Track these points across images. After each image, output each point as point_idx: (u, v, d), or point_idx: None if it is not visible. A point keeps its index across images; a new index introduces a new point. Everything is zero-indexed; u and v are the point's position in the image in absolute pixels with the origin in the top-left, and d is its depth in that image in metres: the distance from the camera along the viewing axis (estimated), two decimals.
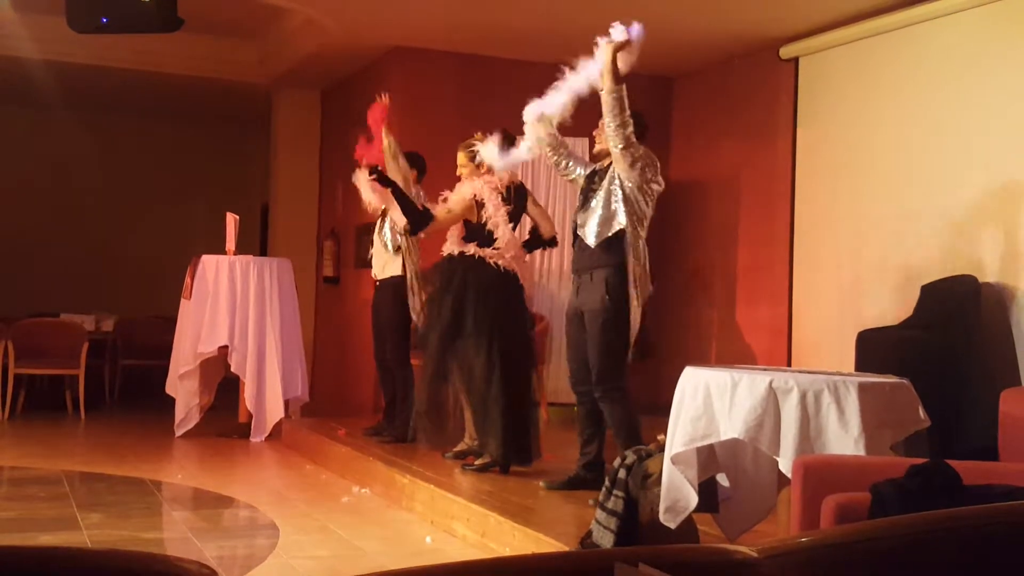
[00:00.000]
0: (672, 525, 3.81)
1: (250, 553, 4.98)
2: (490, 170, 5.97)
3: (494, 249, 5.91)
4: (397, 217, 6.33)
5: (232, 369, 8.25)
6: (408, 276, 6.90)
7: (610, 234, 5.11)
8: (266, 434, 8.20)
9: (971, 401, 5.96)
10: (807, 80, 8.28)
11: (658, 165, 5.24)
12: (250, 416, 8.25)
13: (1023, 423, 3.73)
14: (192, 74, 10.46)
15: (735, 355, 8.70)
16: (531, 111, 5.44)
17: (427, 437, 6.38)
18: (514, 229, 6.04)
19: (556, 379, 8.55)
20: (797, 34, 8.17)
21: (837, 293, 7.80)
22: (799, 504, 3.26)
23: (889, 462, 3.35)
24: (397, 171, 6.76)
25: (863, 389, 3.60)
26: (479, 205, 5.92)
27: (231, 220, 8.55)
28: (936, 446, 5.12)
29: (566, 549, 4.21)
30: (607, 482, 4.16)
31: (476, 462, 5.99)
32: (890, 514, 2.69)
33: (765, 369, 4.03)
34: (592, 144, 5.49)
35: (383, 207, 7.06)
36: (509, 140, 6.29)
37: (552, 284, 9.09)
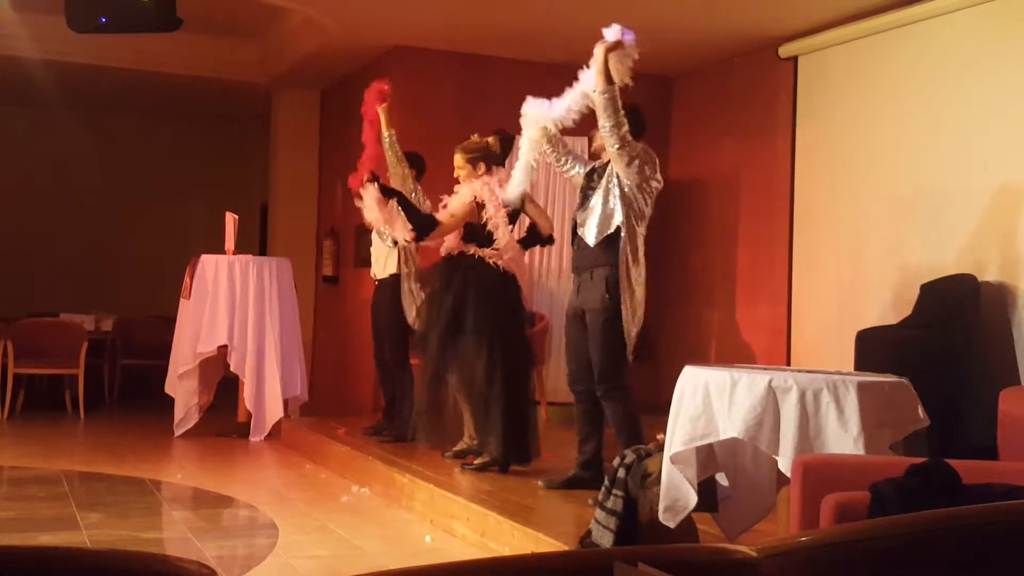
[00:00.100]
0: (671, 524, 3.81)
1: (250, 553, 4.98)
2: (487, 172, 5.99)
3: (493, 250, 5.92)
4: (400, 233, 6.29)
5: (231, 368, 8.25)
6: (403, 277, 6.89)
7: (609, 231, 5.11)
8: (265, 433, 8.20)
9: (970, 400, 5.96)
10: (806, 79, 8.28)
11: (657, 162, 5.24)
12: (249, 415, 8.25)
13: (1022, 422, 3.73)
14: (192, 74, 10.46)
15: (734, 354, 8.70)
16: (531, 116, 5.42)
17: (427, 437, 6.38)
18: (512, 230, 6.05)
19: (555, 379, 8.56)
20: (796, 33, 8.17)
21: (836, 292, 7.80)
22: (798, 503, 3.26)
23: (888, 461, 3.35)
24: (396, 164, 6.76)
25: (862, 388, 3.60)
26: (479, 206, 5.93)
27: (230, 220, 8.55)
28: (935, 445, 5.12)
29: (565, 548, 4.22)
30: (606, 481, 4.16)
31: (475, 461, 6.00)
32: (889, 513, 2.69)
33: (764, 368, 4.03)
34: (591, 142, 5.49)
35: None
36: (508, 140, 6.30)
37: (551, 283, 9.09)
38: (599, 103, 5.04)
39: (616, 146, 5.03)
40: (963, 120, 6.88)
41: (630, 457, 4.14)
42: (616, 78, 5.07)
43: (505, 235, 5.93)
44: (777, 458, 3.62)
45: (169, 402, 8.36)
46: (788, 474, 3.48)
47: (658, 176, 5.20)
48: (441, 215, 5.98)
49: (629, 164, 5.07)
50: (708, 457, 3.89)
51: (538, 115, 5.42)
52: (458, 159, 6.10)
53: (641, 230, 5.16)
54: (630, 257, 5.10)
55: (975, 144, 6.79)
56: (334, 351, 10.55)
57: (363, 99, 7.02)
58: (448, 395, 6.21)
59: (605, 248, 5.13)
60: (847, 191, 7.79)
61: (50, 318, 9.90)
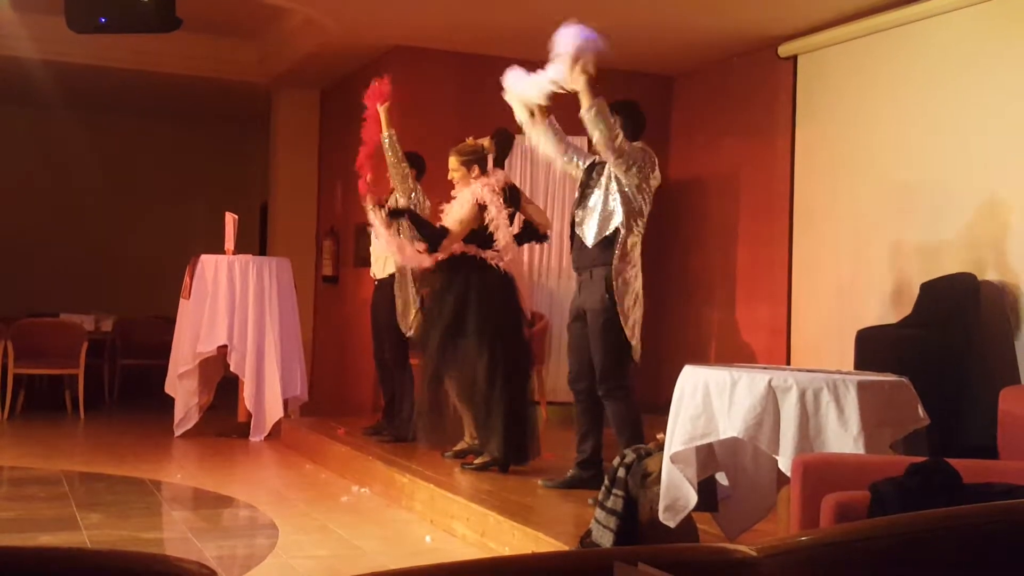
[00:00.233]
0: (671, 524, 3.81)
1: (250, 553, 4.98)
2: (481, 174, 6.01)
3: (494, 251, 5.93)
4: (410, 259, 6.24)
5: (231, 368, 8.25)
6: (398, 285, 6.87)
7: (608, 232, 5.11)
8: (265, 433, 8.20)
9: (970, 399, 5.96)
10: (806, 78, 8.28)
11: (655, 160, 5.23)
12: (249, 415, 8.25)
13: (1022, 421, 3.73)
14: (192, 74, 10.46)
15: (734, 354, 8.70)
16: (514, 92, 5.38)
17: (427, 437, 6.38)
18: (512, 230, 6.07)
19: (555, 379, 8.56)
20: (796, 32, 8.17)
21: (836, 291, 7.80)
22: (798, 503, 3.26)
23: (888, 461, 3.35)
24: (396, 164, 6.75)
25: (862, 388, 3.60)
26: (481, 208, 5.94)
27: (230, 220, 8.55)
28: (935, 445, 5.11)
29: (566, 548, 4.22)
30: (607, 481, 4.16)
31: (475, 461, 6.00)
32: (889, 513, 2.69)
33: (764, 368, 4.03)
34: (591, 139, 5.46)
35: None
36: (508, 139, 6.31)
37: (551, 283, 9.09)
38: (588, 120, 5.04)
39: (613, 156, 5.03)
40: (962, 119, 6.88)
41: (630, 457, 4.14)
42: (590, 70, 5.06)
43: (506, 236, 5.95)
44: (777, 457, 3.62)
45: (169, 402, 8.36)
46: (788, 473, 3.48)
47: (656, 174, 5.21)
48: (449, 223, 5.96)
49: (628, 170, 5.07)
50: (708, 457, 3.89)
51: (521, 94, 5.38)
52: (453, 161, 6.12)
53: (639, 228, 5.16)
54: (624, 257, 5.08)
55: (974, 143, 6.79)
56: (334, 351, 10.55)
57: (365, 95, 7.01)
58: (448, 395, 6.21)
59: (604, 247, 5.12)
60: (847, 191, 7.79)
61: (50, 318, 9.90)
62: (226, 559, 4.78)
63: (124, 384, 10.77)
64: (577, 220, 5.26)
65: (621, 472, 4.10)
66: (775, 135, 8.53)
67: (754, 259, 8.78)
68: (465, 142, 6.21)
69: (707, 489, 3.91)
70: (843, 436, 3.53)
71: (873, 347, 6.36)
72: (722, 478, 4.03)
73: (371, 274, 7.31)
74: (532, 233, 6.23)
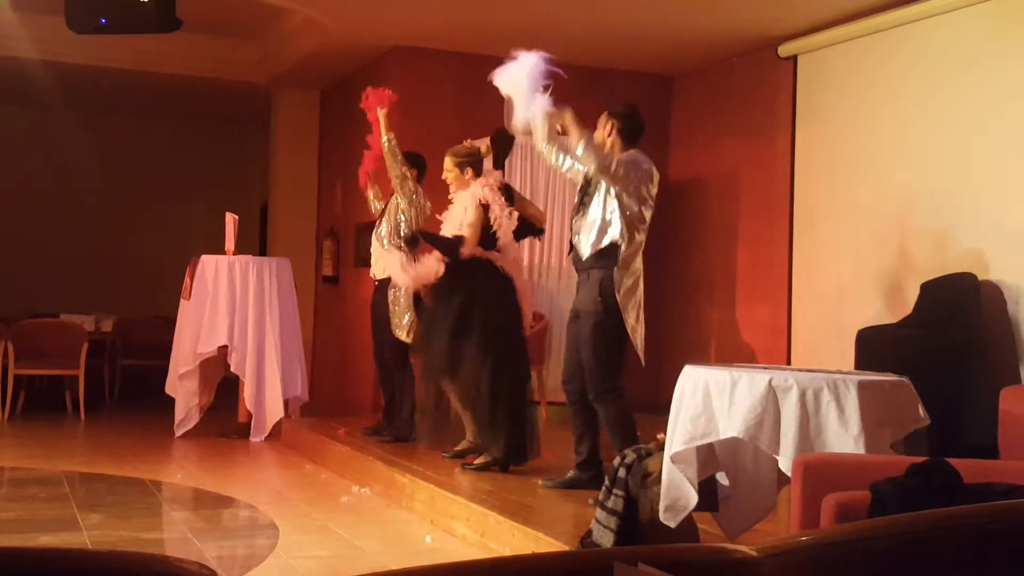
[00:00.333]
0: (672, 524, 3.81)
1: (250, 553, 4.98)
2: (475, 176, 6.03)
3: (496, 251, 5.95)
4: (421, 276, 6.21)
5: (232, 369, 8.25)
6: (393, 292, 6.86)
7: (603, 246, 5.10)
8: (266, 434, 8.20)
9: (971, 399, 5.96)
10: (806, 78, 8.28)
11: (651, 171, 5.18)
12: (250, 416, 8.25)
13: (1022, 421, 3.73)
14: (191, 74, 10.46)
15: (734, 354, 8.70)
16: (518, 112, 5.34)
17: (427, 436, 6.38)
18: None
19: (555, 379, 8.52)
20: (796, 32, 8.17)
21: (836, 291, 7.80)
22: (799, 503, 3.26)
23: (889, 460, 3.35)
24: (395, 167, 6.76)
25: (863, 387, 3.60)
26: (484, 208, 5.94)
27: (230, 220, 8.55)
28: (936, 444, 5.11)
29: (566, 548, 4.22)
30: (607, 481, 4.16)
31: (476, 461, 6.00)
32: (890, 513, 2.69)
33: (765, 368, 4.03)
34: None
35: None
36: (507, 140, 6.30)
37: (551, 282, 9.09)
38: (580, 157, 5.04)
39: (611, 183, 5.03)
40: (962, 119, 6.88)
41: (631, 457, 4.14)
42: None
43: (508, 235, 5.96)
44: (777, 457, 3.62)
45: (169, 402, 8.36)
46: (788, 473, 3.48)
47: (654, 182, 5.17)
48: (463, 230, 5.95)
49: (626, 188, 5.07)
50: (708, 456, 3.89)
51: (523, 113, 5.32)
52: (447, 162, 6.15)
53: (641, 235, 5.13)
54: (624, 267, 5.07)
55: (974, 143, 6.79)
56: (334, 351, 10.55)
57: (365, 97, 7.01)
58: (449, 396, 6.21)
59: (601, 256, 5.12)
60: (847, 191, 7.79)
61: (50, 319, 9.90)
62: (226, 559, 4.78)
63: (124, 385, 10.77)
64: (574, 229, 5.25)
65: (621, 472, 4.10)
66: (775, 135, 8.53)
67: (754, 259, 8.78)
68: (462, 144, 6.23)
69: (707, 489, 3.91)
70: (843, 436, 3.53)
71: (873, 347, 6.36)
72: (722, 478, 4.03)
73: (371, 275, 7.31)
74: (529, 228, 6.23)
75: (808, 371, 3.88)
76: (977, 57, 6.82)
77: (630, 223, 5.07)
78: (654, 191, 5.19)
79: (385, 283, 7.06)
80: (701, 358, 8.86)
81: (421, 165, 7.08)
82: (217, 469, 7.08)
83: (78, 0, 6.86)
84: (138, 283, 12.50)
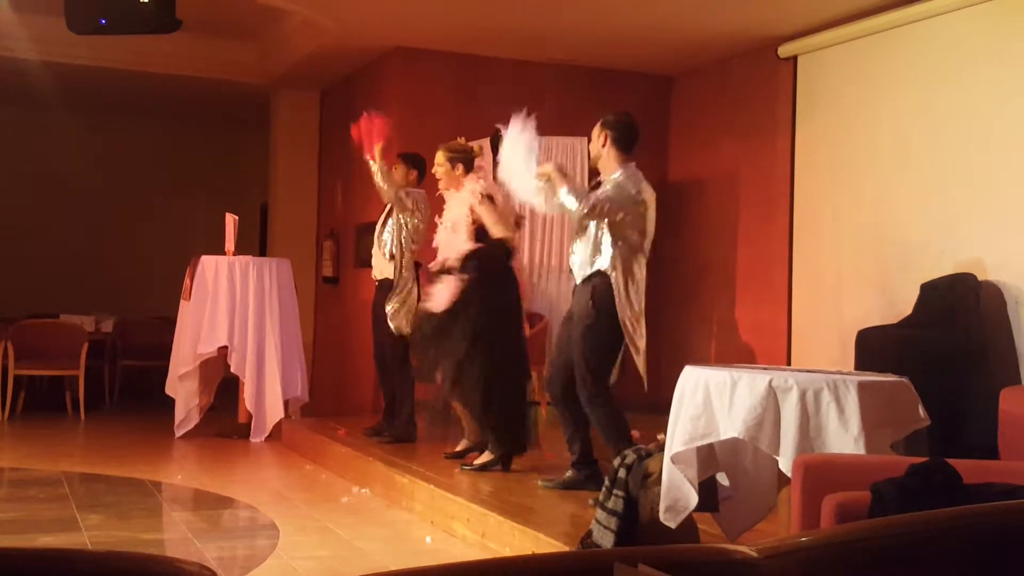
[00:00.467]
0: (672, 524, 3.81)
1: (250, 554, 4.98)
2: (465, 172, 6.03)
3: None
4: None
5: (232, 369, 8.25)
6: (397, 285, 6.84)
7: (590, 272, 5.08)
8: (266, 434, 8.20)
9: (971, 400, 5.96)
10: (806, 79, 8.28)
11: (640, 195, 5.09)
12: (250, 416, 8.25)
13: (1022, 421, 3.73)
14: (191, 75, 10.47)
15: (734, 354, 8.70)
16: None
17: (435, 421, 6.26)
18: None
19: None
20: (796, 33, 8.17)
21: (836, 291, 7.80)
22: (799, 503, 3.26)
23: (889, 461, 3.35)
24: (389, 184, 6.69)
25: (863, 388, 3.60)
26: (490, 200, 5.95)
27: (230, 220, 8.55)
28: (936, 445, 5.11)
29: (566, 549, 4.22)
30: (607, 482, 4.16)
31: (476, 461, 6.00)
32: (890, 513, 2.69)
33: (765, 368, 4.03)
34: (590, 140, 5.41)
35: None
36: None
37: (551, 282, 9.08)
38: (563, 203, 5.02)
39: (600, 221, 5.01)
40: (961, 118, 6.88)
41: (631, 457, 4.14)
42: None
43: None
44: (777, 458, 3.62)
45: (169, 403, 8.35)
46: (789, 474, 3.48)
47: (643, 197, 5.10)
48: (495, 231, 5.90)
49: (613, 220, 5.03)
50: (709, 457, 3.89)
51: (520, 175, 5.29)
52: (439, 156, 6.18)
53: (639, 258, 5.07)
54: (622, 276, 5.05)
55: (974, 143, 6.79)
56: (334, 352, 10.55)
57: (353, 128, 6.91)
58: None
59: (591, 277, 5.11)
60: (846, 190, 7.79)
61: (50, 319, 9.90)
62: (227, 560, 4.78)
63: (124, 385, 10.76)
64: (570, 251, 5.26)
65: (622, 473, 4.10)
66: (775, 135, 8.53)
67: (754, 259, 8.78)
68: (455, 141, 6.23)
69: (708, 489, 3.91)
70: (844, 436, 3.53)
71: (874, 347, 6.36)
72: (723, 478, 4.02)
73: (372, 275, 7.31)
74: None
75: (808, 371, 3.88)
76: (977, 57, 6.82)
77: (626, 251, 5.05)
78: (648, 212, 5.13)
79: (385, 284, 7.06)
80: (701, 358, 8.87)
81: (421, 166, 7.07)
82: (217, 470, 7.08)
83: (78, 1, 6.86)
84: (138, 284, 12.50)
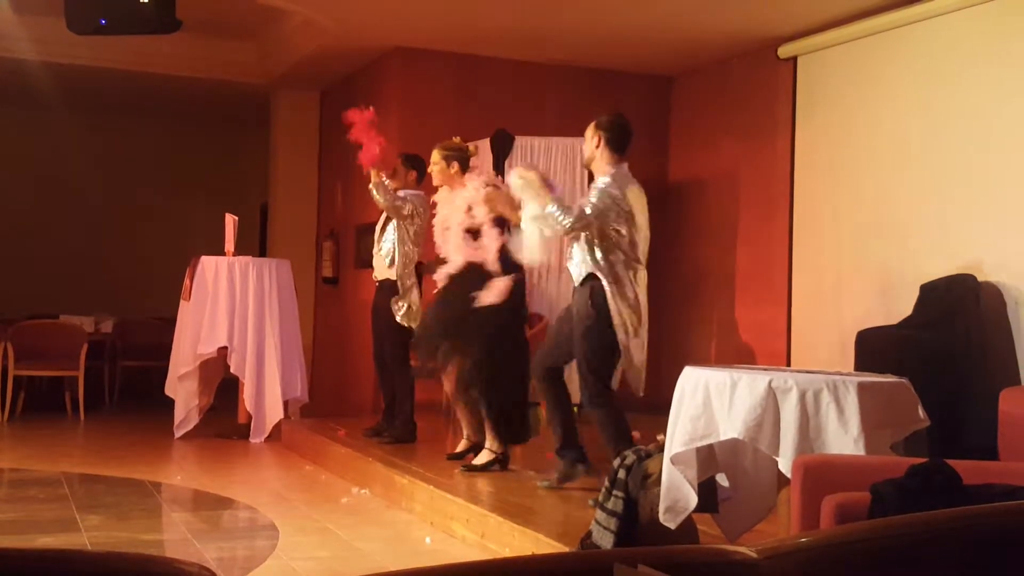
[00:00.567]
0: (672, 525, 3.81)
1: (250, 554, 4.98)
2: (461, 171, 6.04)
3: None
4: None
5: (231, 370, 8.25)
6: (401, 284, 6.84)
7: (583, 276, 5.09)
8: (266, 435, 8.20)
9: (971, 400, 5.96)
10: (806, 79, 8.28)
11: (624, 196, 5.04)
12: (249, 417, 8.25)
13: (1023, 422, 3.73)
14: (191, 75, 10.47)
15: (734, 354, 8.70)
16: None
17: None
18: None
19: None
20: (796, 33, 8.17)
21: (836, 292, 7.80)
22: (799, 504, 3.26)
23: (889, 462, 3.35)
24: (385, 196, 6.67)
25: (862, 389, 3.60)
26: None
27: (230, 221, 8.55)
28: (936, 445, 5.12)
29: (566, 550, 4.21)
30: (607, 482, 4.16)
31: (475, 461, 6.00)
32: (890, 514, 2.69)
33: (765, 369, 4.03)
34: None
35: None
36: (508, 140, 6.31)
37: (551, 284, 9.08)
38: (551, 226, 5.01)
39: (584, 231, 5.02)
40: (961, 119, 6.88)
41: (630, 458, 4.14)
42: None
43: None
44: (777, 459, 3.62)
45: (169, 404, 8.35)
46: (788, 475, 3.48)
47: (627, 200, 5.03)
48: (514, 217, 5.87)
49: (603, 224, 5.02)
50: (708, 458, 3.89)
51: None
52: (435, 155, 6.18)
53: (628, 263, 5.05)
54: (613, 282, 5.04)
55: (974, 144, 6.79)
56: (334, 352, 10.55)
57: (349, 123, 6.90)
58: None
59: (585, 280, 5.12)
60: (847, 190, 7.79)
61: (50, 320, 9.90)
62: (226, 561, 4.78)
63: (124, 386, 10.76)
64: (567, 254, 5.26)
65: (621, 473, 4.11)
66: (775, 135, 8.53)
67: (754, 259, 8.78)
68: (450, 140, 6.23)
69: (707, 490, 3.91)
70: (843, 437, 3.53)
71: (873, 348, 6.36)
72: (722, 479, 4.02)
73: (373, 276, 7.31)
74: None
75: (808, 372, 3.88)
76: (977, 57, 6.82)
77: (613, 260, 5.03)
78: (637, 215, 5.09)
79: (386, 284, 7.05)
80: (701, 358, 8.87)
81: (420, 166, 7.06)
82: (217, 470, 7.08)
83: (78, 1, 6.86)
84: (138, 284, 12.50)
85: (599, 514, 4.14)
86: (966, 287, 6.44)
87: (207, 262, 8.31)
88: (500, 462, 5.94)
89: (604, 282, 5.01)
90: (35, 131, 12.59)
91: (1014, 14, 6.61)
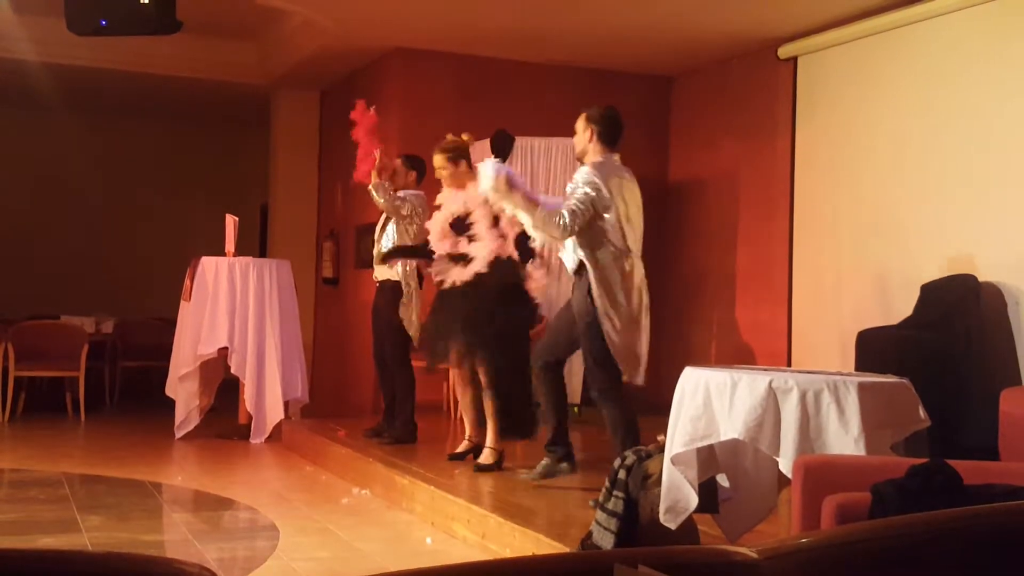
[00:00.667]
0: (672, 526, 3.81)
1: (250, 555, 4.98)
2: (469, 167, 5.99)
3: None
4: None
5: (232, 370, 8.25)
6: (406, 285, 6.84)
7: (575, 265, 5.09)
8: (266, 435, 8.20)
9: (971, 400, 5.96)
10: (806, 80, 8.28)
11: (600, 191, 5.00)
12: (250, 417, 8.25)
13: (1023, 422, 3.73)
14: (191, 75, 10.48)
15: (734, 354, 8.70)
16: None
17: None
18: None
19: None
20: (796, 34, 8.18)
21: (837, 292, 7.80)
22: (799, 504, 3.26)
23: (889, 462, 3.35)
24: (384, 197, 6.66)
25: (863, 389, 3.60)
26: None
27: (230, 221, 8.55)
28: (936, 446, 5.12)
29: (566, 550, 4.21)
30: (607, 483, 4.16)
31: (480, 461, 6.00)
32: (890, 514, 2.69)
33: (765, 369, 4.03)
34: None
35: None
36: (508, 140, 6.30)
37: (551, 283, 9.08)
38: (539, 232, 5.00)
39: (575, 237, 5.01)
40: (961, 119, 6.89)
41: (631, 458, 4.14)
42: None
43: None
44: (778, 459, 3.62)
45: (170, 404, 8.35)
46: (789, 475, 3.48)
47: (605, 193, 4.98)
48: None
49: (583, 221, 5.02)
50: (709, 458, 3.89)
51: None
52: (438, 159, 6.07)
53: (620, 252, 5.04)
54: (598, 273, 5.04)
55: (974, 144, 6.79)
56: (334, 353, 10.55)
57: (353, 122, 6.91)
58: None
59: (578, 270, 5.13)
60: (847, 191, 7.79)
61: (51, 320, 9.90)
62: (227, 561, 4.78)
63: (125, 386, 10.76)
64: (560, 244, 5.26)
65: (622, 474, 4.10)
66: (775, 136, 8.53)
67: (754, 259, 8.78)
68: (446, 139, 6.18)
69: (708, 490, 3.91)
70: (844, 437, 3.53)
71: (874, 348, 6.36)
72: (723, 479, 4.02)
73: (373, 276, 7.31)
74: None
75: (808, 372, 3.88)
76: (977, 57, 6.82)
77: (599, 253, 5.02)
78: (628, 206, 5.05)
79: (386, 285, 7.05)
80: (701, 359, 8.86)
81: (420, 167, 7.06)
82: (217, 471, 7.08)
83: (78, 2, 6.86)
84: (138, 285, 12.50)
85: (599, 514, 4.14)
86: (966, 287, 6.44)
87: (207, 262, 8.31)
88: (498, 464, 5.93)
89: (591, 274, 5.00)
90: (35, 131, 12.59)
91: (1014, 14, 6.61)
